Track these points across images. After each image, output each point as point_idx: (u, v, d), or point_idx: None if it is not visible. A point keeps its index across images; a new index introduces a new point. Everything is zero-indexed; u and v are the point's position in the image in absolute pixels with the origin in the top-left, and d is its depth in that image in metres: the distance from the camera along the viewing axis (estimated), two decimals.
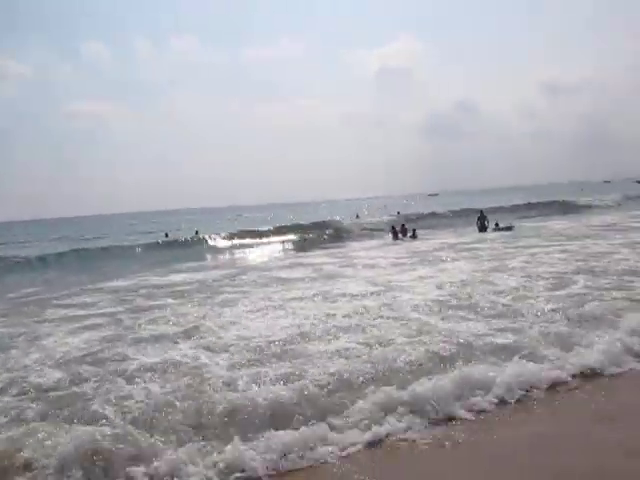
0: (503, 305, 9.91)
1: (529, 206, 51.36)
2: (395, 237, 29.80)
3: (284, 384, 6.30)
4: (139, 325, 10.48)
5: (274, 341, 8.36)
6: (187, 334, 9.29)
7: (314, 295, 12.46)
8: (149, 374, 7.11)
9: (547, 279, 12.17)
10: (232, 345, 8.30)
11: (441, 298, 10.91)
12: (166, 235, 46.57)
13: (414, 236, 28.69)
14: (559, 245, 18.80)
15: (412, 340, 7.83)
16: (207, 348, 8.27)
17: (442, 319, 9.18)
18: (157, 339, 9.13)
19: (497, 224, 29.43)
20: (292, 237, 34.82)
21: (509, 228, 28.38)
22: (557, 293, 10.63)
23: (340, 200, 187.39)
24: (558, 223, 30.73)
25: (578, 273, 12.61)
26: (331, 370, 6.67)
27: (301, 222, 44.61)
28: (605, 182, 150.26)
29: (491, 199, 69.13)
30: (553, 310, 9.15)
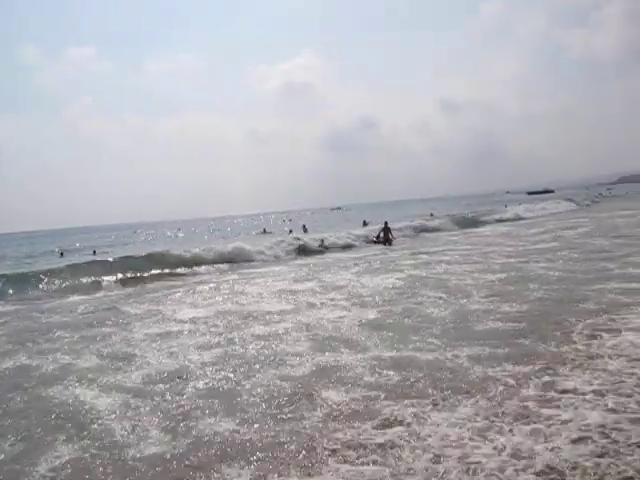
0: None
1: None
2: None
3: None
4: None
5: None
6: None
7: None
8: None
9: None
10: None
11: None
12: (61, 254, 44.10)
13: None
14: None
15: None
16: None
17: None
18: None
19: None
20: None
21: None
22: None
23: (240, 216, 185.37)
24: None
25: None
26: None
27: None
28: (507, 192, 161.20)
29: (394, 212, 70.59)
30: None
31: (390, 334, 8.62)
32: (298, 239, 28.68)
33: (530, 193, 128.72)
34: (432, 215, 57.69)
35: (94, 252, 41.81)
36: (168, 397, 6.53)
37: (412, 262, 18.31)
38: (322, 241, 28.17)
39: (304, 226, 52.12)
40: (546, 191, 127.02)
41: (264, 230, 57.58)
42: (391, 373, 6.71)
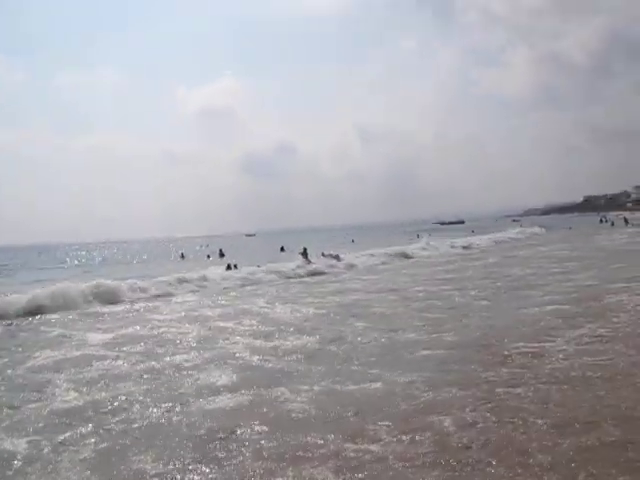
0: None
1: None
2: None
3: None
4: None
5: None
6: None
7: None
8: None
9: None
10: None
11: None
12: None
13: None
14: None
15: None
16: None
17: None
18: None
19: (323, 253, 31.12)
20: None
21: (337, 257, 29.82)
22: None
23: (149, 240, 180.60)
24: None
25: None
26: None
27: None
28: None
29: (309, 238, 70.83)
30: None
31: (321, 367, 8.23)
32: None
33: (442, 223, 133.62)
34: (353, 241, 58.82)
35: None
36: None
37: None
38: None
39: (221, 251, 51.31)
40: (458, 222, 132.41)
41: (182, 255, 56.59)
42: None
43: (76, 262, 59.47)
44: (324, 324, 11.65)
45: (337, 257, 29.68)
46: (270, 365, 8.40)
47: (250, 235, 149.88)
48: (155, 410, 6.53)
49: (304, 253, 29.48)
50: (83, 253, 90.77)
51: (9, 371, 8.85)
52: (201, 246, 77.71)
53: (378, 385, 6.97)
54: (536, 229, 62.61)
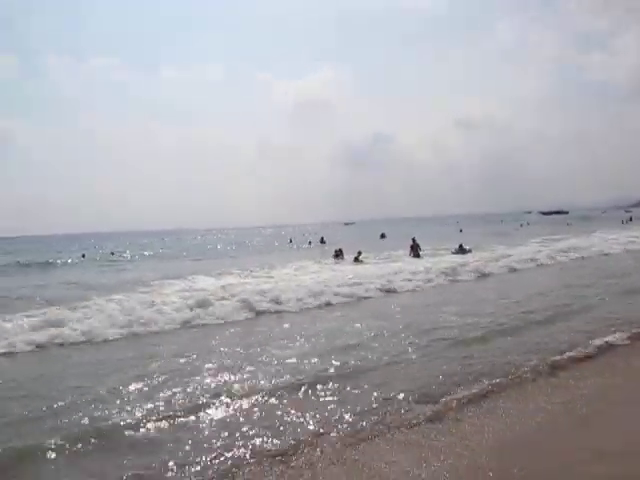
0: None
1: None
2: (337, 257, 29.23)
3: None
4: None
5: None
6: None
7: None
8: None
9: None
10: None
11: None
12: (83, 256, 46.17)
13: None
14: None
15: None
16: None
17: None
18: None
19: (461, 246, 29.45)
20: None
21: (469, 250, 28.73)
22: None
23: (251, 228, 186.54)
24: None
25: None
26: None
27: None
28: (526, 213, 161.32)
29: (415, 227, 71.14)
30: None
31: None
32: None
33: (544, 213, 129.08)
34: (461, 231, 57.45)
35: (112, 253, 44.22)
36: None
37: None
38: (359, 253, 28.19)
39: (322, 238, 53.29)
40: (559, 212, 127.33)
41: (290, 240, 59.84)
42: None
43: (218, 247, 61.91)
44: None
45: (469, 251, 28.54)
46: None
47: (349, 224, 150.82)
48: None
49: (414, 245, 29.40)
50: (198, 238, 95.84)
51: None
52: (303, 234, 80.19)
53: None
54: None
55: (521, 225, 68.98)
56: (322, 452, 5.00)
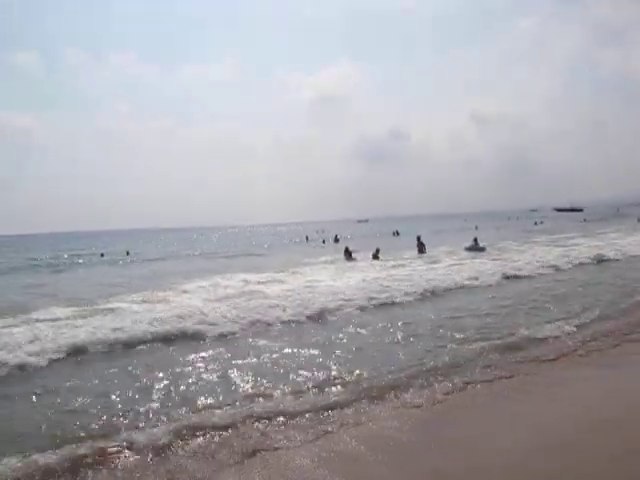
0: None
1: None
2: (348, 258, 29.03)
3: None
4: None
5: None
6: None
7: None
8: None
9: None
10: None
11: None
12: (102, 255, 46.84)
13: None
14: None
15: None
16: None
17: None
18: None
19: (475, 240, 29.97)
20: None
21: (483, 248, 28.98)
22: None
23: (265, 225, 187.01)
24: None
25: None
26: None
27: None
28: (532, 211, 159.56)
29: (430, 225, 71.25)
30: None
31: None
32: None
33: (558, 210, 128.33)
34: (477, 228, 57.65)
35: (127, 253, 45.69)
36: None
37: None
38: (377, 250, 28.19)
39: (336, 237, 53.30)
40: (573, 209, 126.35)
41: (307, 238, 60.27)
42: None
43: (253, 243, 62.54)
44: None
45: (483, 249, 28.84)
46: None
47: (362, 221, 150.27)
48: None
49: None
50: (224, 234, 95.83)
51: None
52: (317, 232, 79.95)
53: None
54: None
55: (535, 223, 68.87)
56: None
